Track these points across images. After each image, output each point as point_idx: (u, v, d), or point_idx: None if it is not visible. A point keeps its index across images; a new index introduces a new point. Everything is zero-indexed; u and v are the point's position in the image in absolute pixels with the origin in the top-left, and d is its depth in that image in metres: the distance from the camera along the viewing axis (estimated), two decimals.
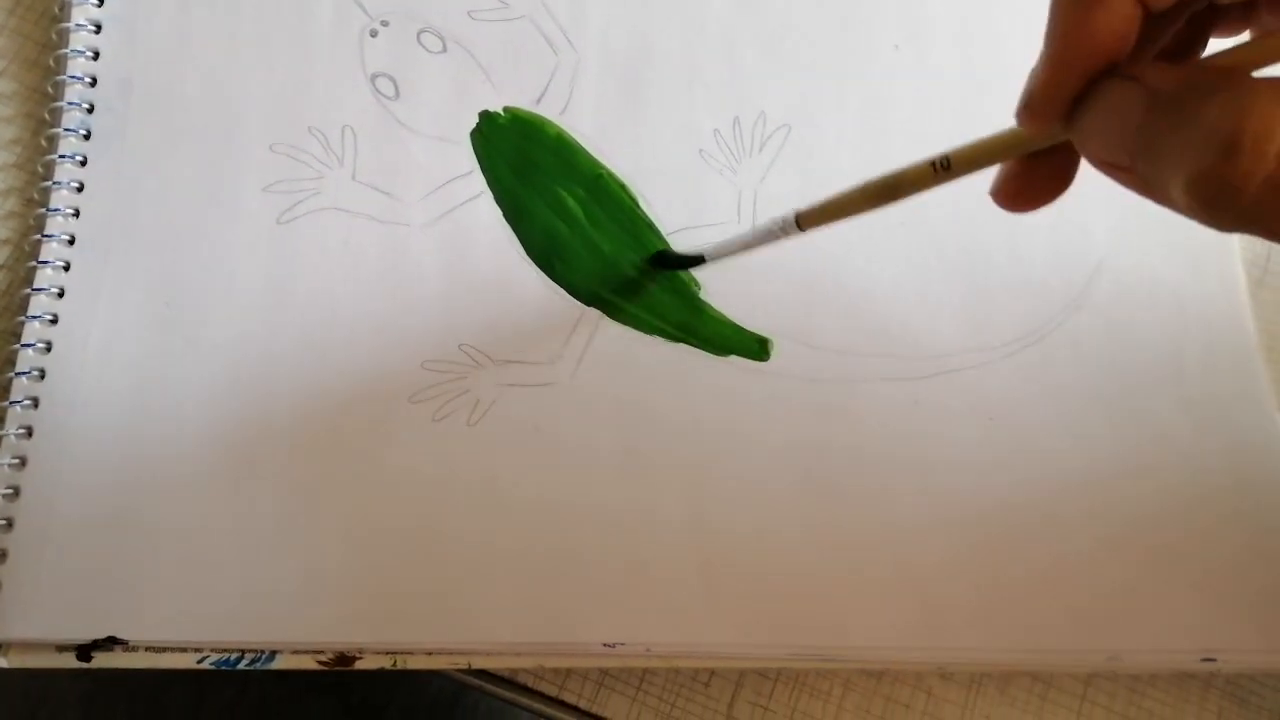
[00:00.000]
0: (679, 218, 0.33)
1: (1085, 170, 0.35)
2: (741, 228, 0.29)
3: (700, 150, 0.34)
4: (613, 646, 0.29)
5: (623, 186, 0.33)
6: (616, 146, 0.33)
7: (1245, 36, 0.20)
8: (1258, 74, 0.17)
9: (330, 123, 0.32)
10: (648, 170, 0.33)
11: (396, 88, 0.33)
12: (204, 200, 0.31)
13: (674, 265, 0.32)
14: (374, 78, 0.33)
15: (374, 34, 0.33)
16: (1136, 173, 0.18)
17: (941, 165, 0.22)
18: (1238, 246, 0.36)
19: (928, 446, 0.32)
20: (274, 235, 0.31)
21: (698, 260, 0.31)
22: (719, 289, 0.33)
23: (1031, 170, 0.21)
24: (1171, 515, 0.32)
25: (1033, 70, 0.20)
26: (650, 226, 0.33)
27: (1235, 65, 0.18)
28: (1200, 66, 0.18)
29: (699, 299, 0.33)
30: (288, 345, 0.30)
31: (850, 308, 0.33)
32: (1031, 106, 0.19)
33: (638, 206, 0.33)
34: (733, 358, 0.32)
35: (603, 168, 0.33)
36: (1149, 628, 0.31)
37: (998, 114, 0.34)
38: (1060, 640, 0.30)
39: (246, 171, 0.31)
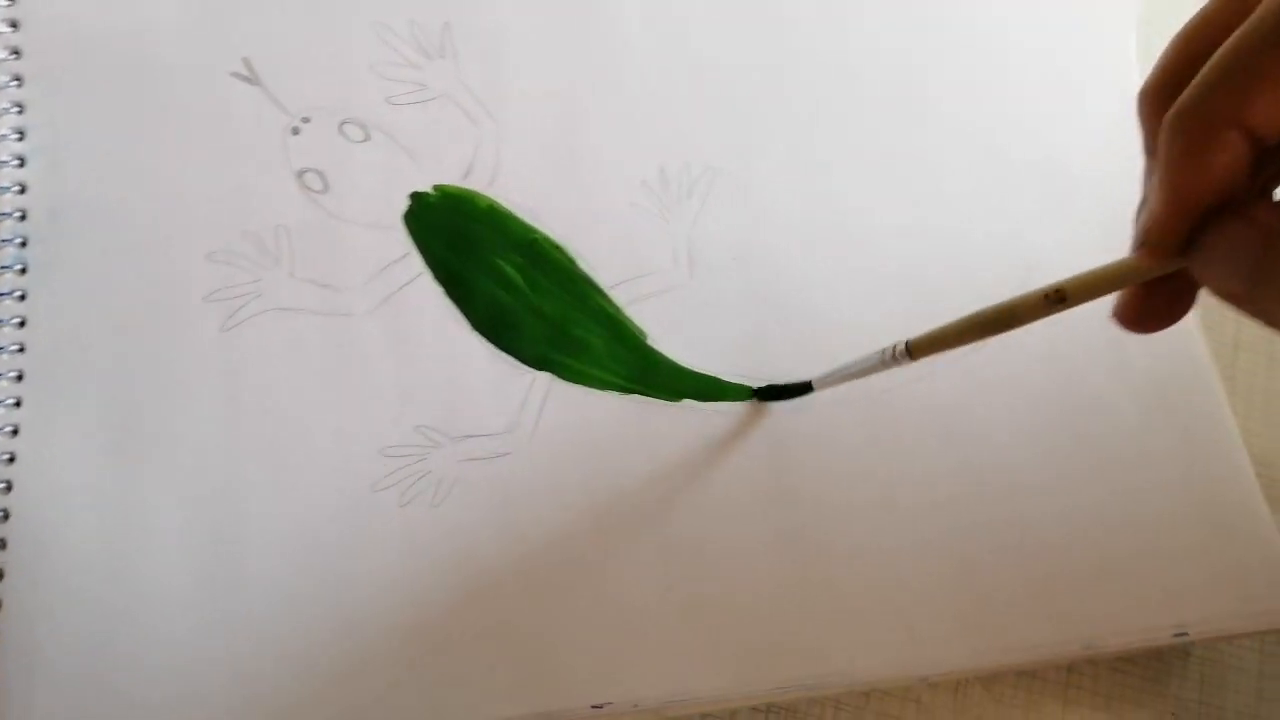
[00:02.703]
0: (618, 271, 0.34)
1: (1012, 174, 0.36)
2: (849, 358, 0.30)
3: (631, 203, 0.34)
4: (601, 707, 0.29)
5: (558, 248, 0.34)
6: (548, 209, 0.34)
7: None
8: None
9: (263, 224, 0.33)
10: (582, 228, 0.34)
11: (325, 181, 0.33)
12: (147, 318, 0.31)
13: (783, 396, 0.33)
14: (301, 174, 0.33)
15: (296, 131, 0.33)
16: (1253, 302, 0.19)
17: (1055, 297, 0.22)
18: None
19: (888, 463, 0.33)
20: (219, 344, 0.31)
21: (805, 389, 0.32)
22: (666, 336, 0.34)
23: (1153, 294, 0.22)
24: (1129, 499, 0.33)
25: (1148, 206, 0.20)
26: (590, 283, 0.34)
27: None
28: None
29: (648, 348, 0.33)
30: (247, 453, 0.31)
31: (797, 335, 0.34)
32: (1150, 243, 0.20)
33: (575, 265, 0.34)
34: (686, 401, 0.33)
35: (537, 232, 0.34)
36: (1120, 611, 0.32)
37: (920, 143, 0.36)
38: (1037, 636, 0.31)
39: (185, 284, 0.32)
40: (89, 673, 0.28)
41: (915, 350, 0.26)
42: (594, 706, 0.29)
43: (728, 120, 0.36)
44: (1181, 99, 0.19)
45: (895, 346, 0.27)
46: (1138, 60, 0.38)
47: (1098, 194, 0.36)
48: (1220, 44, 0.19)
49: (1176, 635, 0.32)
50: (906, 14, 0.38)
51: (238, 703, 0.28)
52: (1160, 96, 0.21)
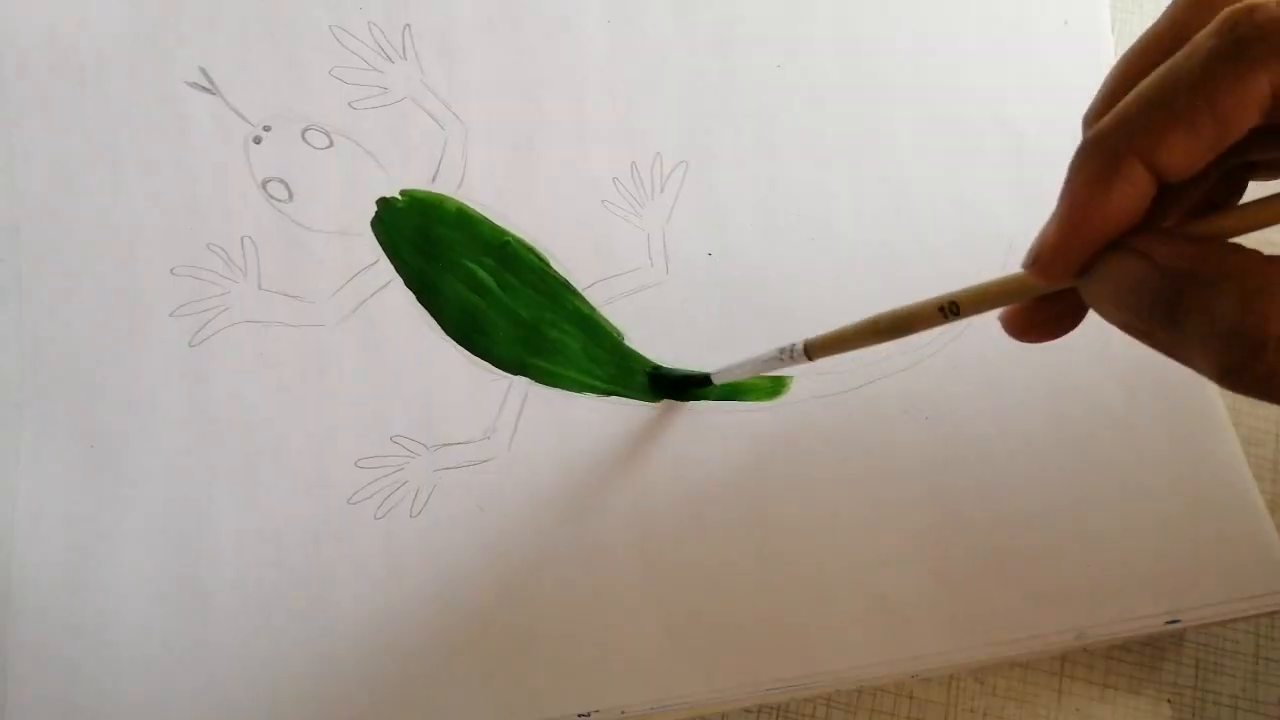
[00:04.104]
0: (592, 271, 0.33)
1: (988, 162, 0.35)
2: (745, 354, 0.30)
3: (603, 200, 0.34)
4: (587, 715, 0.29)
5: (531, 249, 0.33)
6: (519, 211, 0.33)
7: None
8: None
9: (228, 236, 0.32)
10: (553, 229, 0.33)
11: (289, 190, 0.33)
12: (112, 336, 0.31)
13: (679, 387, 0.32)
14: (265, 183, 0.32)
15: (258, 140, 0.33)
16: (1154, 341, 0.19)
17: (950, 310, 0.22)
18: None
19: (870, 456, 0.32)
20: (188, 359, 0.31)
21: (704, 381, 0.32)
22: (643, 335, 0.33)
23: (1043, 309, 0.22)
24: (1115, 486, 0.33)
25: (1045, 226, 0.20)
26: (565, 284, 0.33)
27: (1259, 223, 0.18)
28: (1208, 249, 0.18)
29: (625, 347, 0.33)
30: (218, 469, 0.30)
31: (773, 330, 0.34)
32: (1041, 263, 0.20)
33: (549, 266, 0.33)
34: (665, 401, 0.32)
35: (508, 234, 0.33)
36: (1111, 600, 0.31)
37: (883, 123, 0.35)
38: (1026, 627, 0.31)
39: (151, 300, 0.31)
40: (57, 695, 0.28)
41: (812, 351, 0.26)
42: (580, 715, 0.29)
43: (693, 113, 0.35)
44: (1097, 126, 0.19)
45: (793, 346, 0.27)
46: (1112, 33, 0.38)
47: (1066, 166, 0.36)
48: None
49: (1169, 623, 0.31)
50: None
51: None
52: (1097, 118, 0.20)
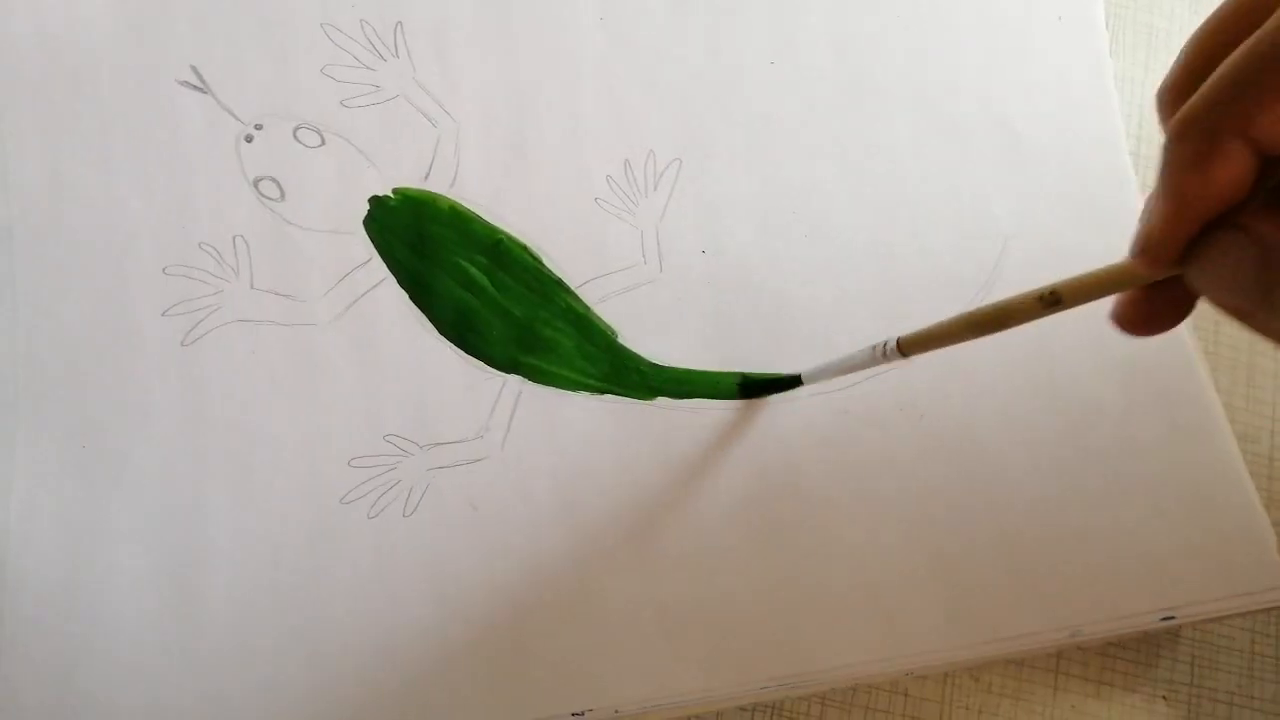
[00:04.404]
0: (585, 269, 0.33)
1: (982, 158, 0.35)
2: (839, 353, 0.29)
3: (596, 198, 0.34)
4: (581, 714, 0.29)
5: (524, 248, 0.33)
6: (512, 209, 0.33)
7: None
8: None
9: (219, 235, 0.32)
10: (547, 227, 0.33)
11: (281, 189, 0.32)
12: (105, 335, 0.31)
13: (769, 390, 0.32)
14: (256, 182, 0.32)
15: (249, 139, 0.32)
16: (1257, 320, 0.18)
17: (1050, 299, 0.21)
18: (1140, 207, 0.36)
19: (864, 454, 0.32)
20: (180, 359, 0.31)
21: (795, 382, 0.31)
22: (637, 333, 0.33)
23: (1152, 299, 0.21)
24: (1111, 482, 0.33)
25: (1147, 213, 0.20)
26: (558, 283, 0.33)
27: None
28: None
29: (619, 346, 0.33)
30: (211, 469, 0.30)
31: (768, 328, 0.33)
32: (1149, 250, 0.19)
33: (542, 265, 0.33)
34: (660, 399, 0.32)
35: (501, 232, 0.33)
36: (1106, 597, 0.31)
37: (877, 120, 0.35)
38: (1021, 625, 0.31)
39: (143, 299, 0.31)
40: (52, 702, 0.28)
41: (905, 347, 0.26)
42: (574, 714, 0.29)
43: (687, 110, 0.35)
44: (1187, 106, 0.18)
45: (886, 343, 0.27)
46: (1107, 28, 0.38)
47: (1062, 161, 0.36)
48: (1235, 46, 0.18)
49: (1164, 619, 0.31)
50: None
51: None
52: (1176, 97, 0.20)
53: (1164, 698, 0.33)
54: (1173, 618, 0.31)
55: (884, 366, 0.33)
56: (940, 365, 0.33)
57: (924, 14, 0.37)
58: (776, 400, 0.33)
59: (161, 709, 0.28)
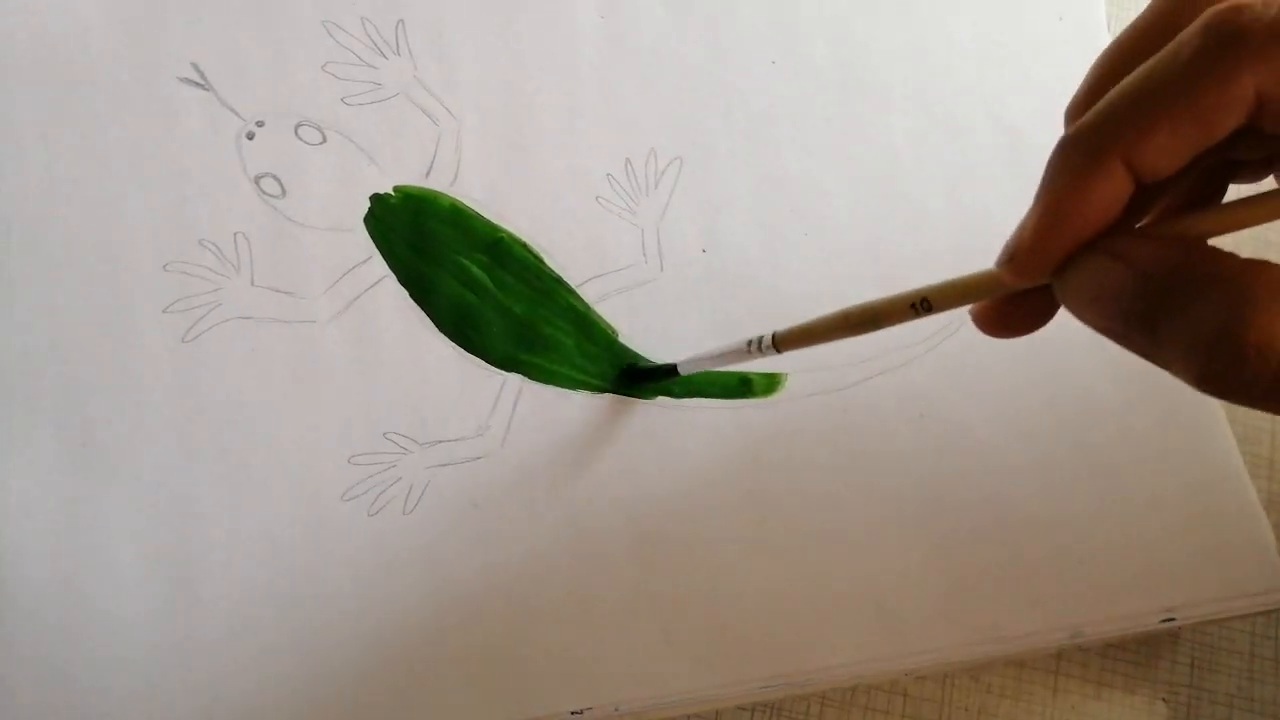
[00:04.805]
0: (586, 268, 0.33)
1: (982, 158, 0.35)
2: (712, 346, 0.30)
3: (597, 197, 0.34)
4: (580, 713, 0.29)
5: (525, 246, 0.33)
6: (512, 207, 0.33)
7: (1269, 184, 0.20)
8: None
9: (220, 232, 0.32)
10: (547, 225, 0.33)
11: (282, 186, 0.32)
12: (103, 332, 0.31)
13: (647, 379, 0.32)
14: (258, 179, 0.32)
15: (250, 136, 0.32)
16: (1131, 344, 0.18)
17: (921, 305, 0.22)
18: None
19: (865, 453, 0.32)
20: (180, 356, 0.31)
21: (671, 371, 0.31)
22: (637, 332, 0.33)
23: (1015, 305, 0.21)
24: (1111, 481, 0.33)
25: (1021, 223, 0.19)
26: (559, 281, 0.33)
27: (1240, 224, 0.18)
28: (1188, 252, 0.18)
29: (620, 345, 0.33)
30: (210, 466, 0.30)
31: (768, 327, 0.33)
32: (1016, 261, 0.19)
33: (543, 263, 0.33)
34: (659, 399, 0.32)
35: (502, 230, 0.33)
36: (1105, 598, 0.31)
37: (877, 119, 0.35)
38: (1021, 626, 0.31)
39: (142, 296, 0.31)
40: (47, 692, 0.28)
41: (781, 343, 0.26)
42: (573, 713, 0.29)
43: (687, 109, 0.35)
44: (1077, 123, 0.18)
45: (761, 338, 0.27)
46: (1108, 30, 0.38)
47: None
48: (1135, 67, 0.18)
49: (1164, 621, 0.31)
50: None
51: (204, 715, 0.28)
52: (1078, 114, 0.20)
53: (1164, 699, 0.33)
54: (1173, 619, 0.31)
55: (872, 361, 0.33)
56: (940, 364, 0.33)
57: (924, 14, 0.37)
58: (775, 400, 0.33)
59: (159, 705, 0.28)
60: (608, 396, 0.32)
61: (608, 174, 0.34)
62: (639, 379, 0.32)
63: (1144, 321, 0.18)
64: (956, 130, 0.36)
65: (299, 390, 0.31)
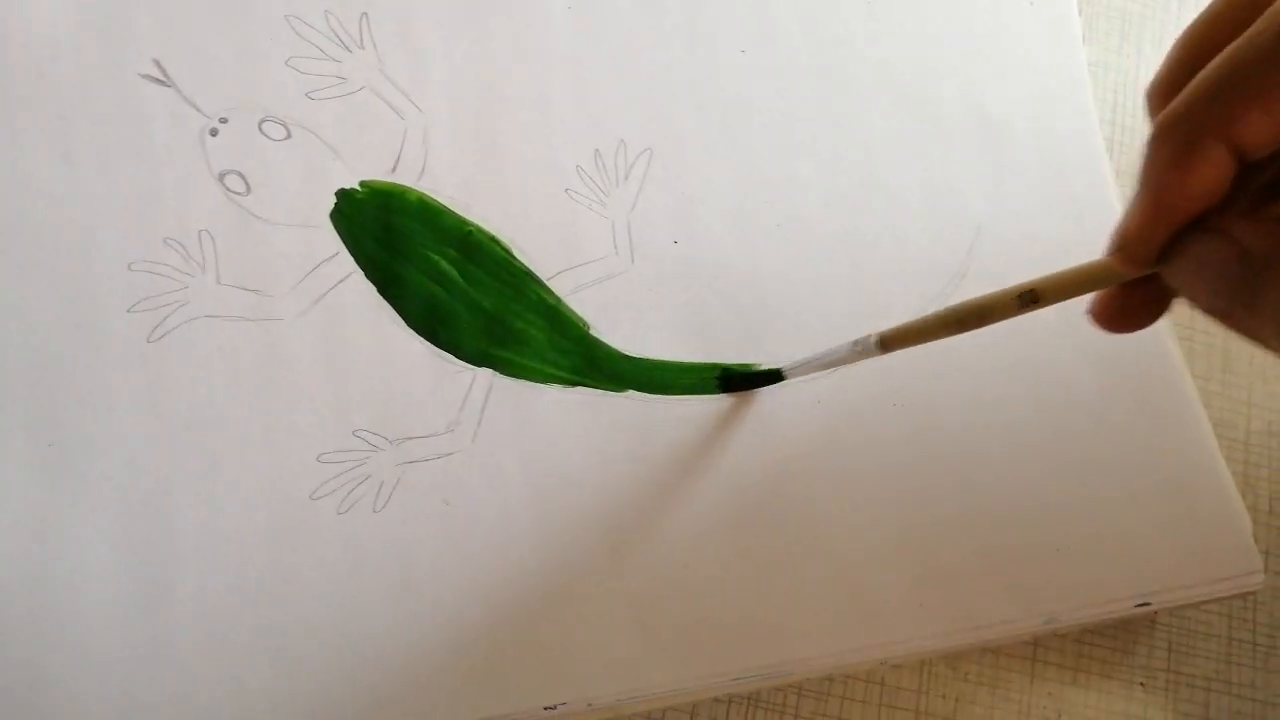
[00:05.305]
0: (556, 261, 0.33)
1: (955, 144, 0.35)
2: (819, 348, 0.30)
3: (566, 189, 0.34)
4: (554, 708, 0.29)
5: (494, 239, 0.33)
6: (481, 200, 0.33)
7: None
8: None
9: (185, 230, 0.31)
10: (516, 218, 0.33)
11: (246, 183, 0.32)
12: (69, 333, 0.30)
13: (750, 385, 0.32)
14: (222, 176, 0.32)
15: (214, 133, 0.32)
16: (1232, 322, 0.19)
17: (1029, 298, 0.22)
18: (1115, 195, 0.36)
19: (838, 444, 0.32)
20: (146, 355, 0.30)
21: (776, 376, 0.31)
22: (609, 325, 0.33)
23: (1131, 295, 0.22)
24: (1086, 469, 0.32)
25: (1127, 211, 0.20)
26: (529, 275, 0.33)
27: None
28: None
29: (591, 338, 0.33)
30: (178, 466, 0.30)
31: (741, 319, 0.33)
32: (1126, 249, 0.20)
33: (513, 257, 0.33)
34: (630, 392, 0.32)
35: (471, 224, 0.33)
36: (1080, 584, 0.31)
37: (850, 108, 0.35)
38: (995, 613, 0.31)
39: (108, 296, 0.31)
40: (17, 695, 0.27)
41: (886, 343, 0.26)
42: (547, 708, 0.29)
43: (658, 99, 0.34)
44: (1171, 106, 0.19)
45: (868, 338, 0.27)
46: (1079, 14, 0.38)
47: (1036, 147, 0.36)
48: (1224, 46, 0.18)
49: (1139, 606, 0.31)
50: None
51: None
52: (1163, 96, 0.20)
53: (1141, 684, 0.33)
54: (1149, 604, 0.31)
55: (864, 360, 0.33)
56: (915, 353, 0.33)
57: (896, 1, 0.36)
58: (746, 393, 0.32)
59: (130, 706, 0.28)
60: (579, 390, 0.32)
61: (577, 165, 0.34)
62: (740, 385, 0.32)
63: (1245, 297, 0.18)
64: (930, 118, 0.36)
65: (267, 388, 0.31)
